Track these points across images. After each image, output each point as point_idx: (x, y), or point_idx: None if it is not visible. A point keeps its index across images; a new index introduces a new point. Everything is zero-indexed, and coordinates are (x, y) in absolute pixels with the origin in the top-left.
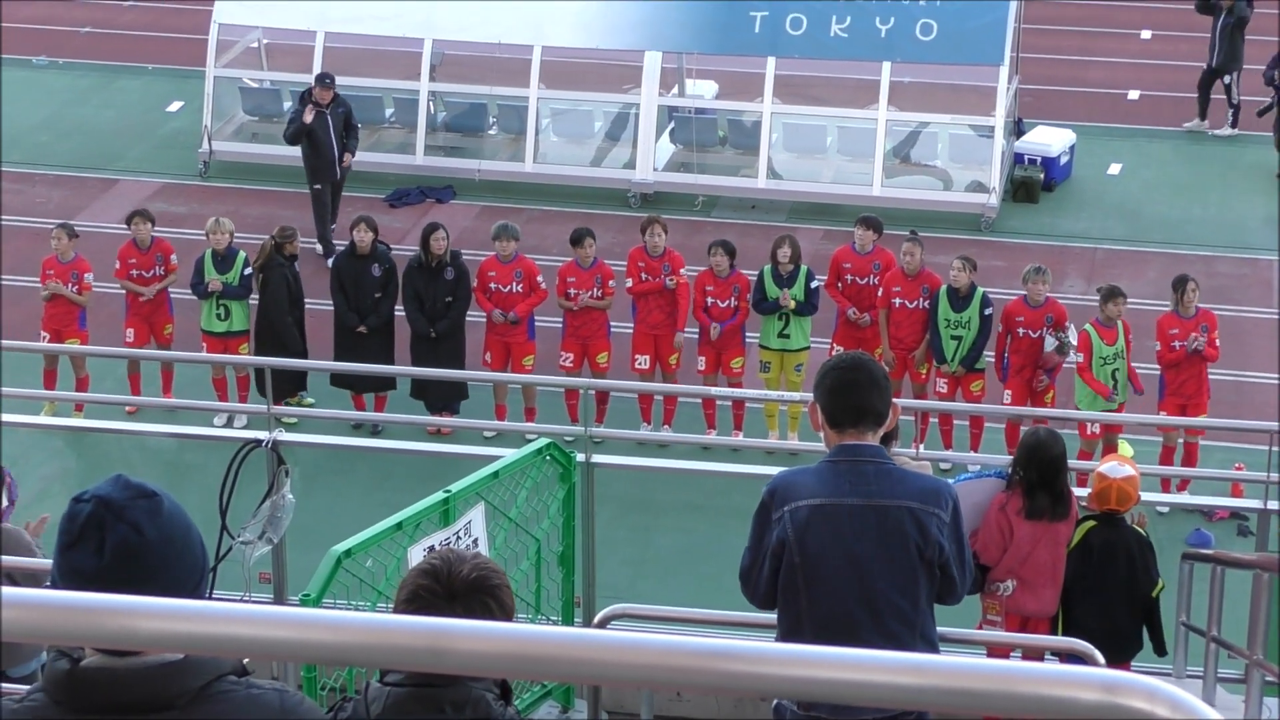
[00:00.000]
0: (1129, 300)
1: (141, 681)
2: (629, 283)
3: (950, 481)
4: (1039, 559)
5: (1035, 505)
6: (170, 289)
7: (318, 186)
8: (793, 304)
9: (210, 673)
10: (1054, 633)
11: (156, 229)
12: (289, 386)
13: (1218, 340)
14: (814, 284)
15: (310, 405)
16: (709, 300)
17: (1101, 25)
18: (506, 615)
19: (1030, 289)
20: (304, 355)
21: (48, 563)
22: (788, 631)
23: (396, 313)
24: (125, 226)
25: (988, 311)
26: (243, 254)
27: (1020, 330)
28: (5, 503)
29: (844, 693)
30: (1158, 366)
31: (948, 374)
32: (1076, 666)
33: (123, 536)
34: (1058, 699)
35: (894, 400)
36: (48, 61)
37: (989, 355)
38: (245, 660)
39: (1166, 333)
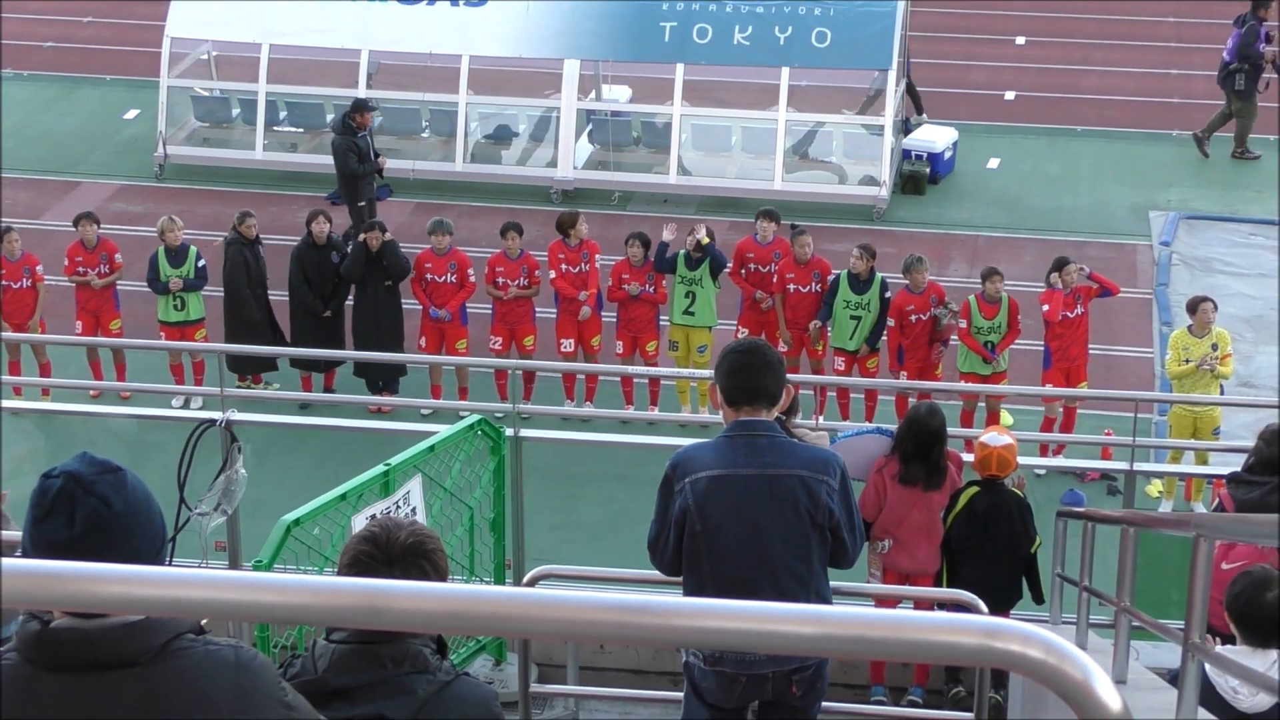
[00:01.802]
0: (1008, 282)
1: (107, 641)
2: (552, 274)
3: (836, 438)
4: (913, 521)
5: (909, 472)
6: (117, 286)
7: (361, 204)
8: (705, 235)
9: (169, 631)
10: (939, 587)
11: (115, 227)
12: (259, 365)
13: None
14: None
15: (264, 388)
16: (625, 288)
17: (981, 32)
18: (441, 577)
19: (913, 278)
20: (274, 329)
21: (14, 535)
22: (692, 594)
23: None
24: (73, 227)
25: (887, 295)
26: (194, 248)
27: (912, 317)
28: None
29: (750, 641)
30: (1042, 342)
31: (847, 352)
32: (961, 614)
33: (92, 508)
34: (943, 644)
35: (788, 383)
36: (11, 74)
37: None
38: (204, 620)
39: (1053, 298)
